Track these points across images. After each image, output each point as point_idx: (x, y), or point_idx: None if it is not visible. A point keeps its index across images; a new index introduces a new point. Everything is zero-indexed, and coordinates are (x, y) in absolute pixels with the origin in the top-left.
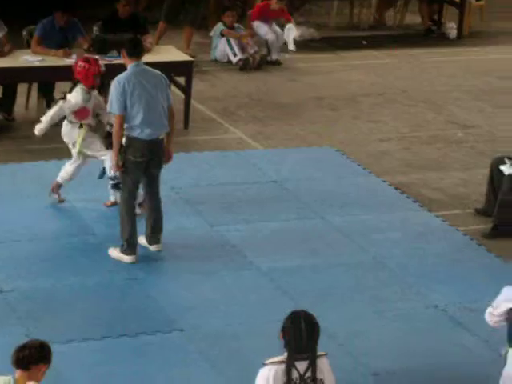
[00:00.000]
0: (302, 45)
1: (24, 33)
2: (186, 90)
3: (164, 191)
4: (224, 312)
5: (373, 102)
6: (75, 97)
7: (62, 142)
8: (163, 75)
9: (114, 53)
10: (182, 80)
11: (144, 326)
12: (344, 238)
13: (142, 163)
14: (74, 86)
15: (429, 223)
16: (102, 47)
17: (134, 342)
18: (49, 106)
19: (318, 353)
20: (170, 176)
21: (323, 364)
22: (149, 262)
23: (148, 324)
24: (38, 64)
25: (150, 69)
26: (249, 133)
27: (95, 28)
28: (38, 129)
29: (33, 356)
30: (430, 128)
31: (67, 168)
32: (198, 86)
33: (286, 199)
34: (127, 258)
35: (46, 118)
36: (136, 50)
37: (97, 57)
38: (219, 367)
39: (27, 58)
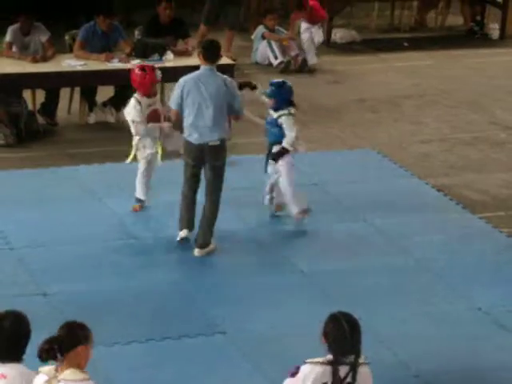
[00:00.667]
0: (343, 47)
1: (66, 37)
2: None
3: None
4: (267, 314)
5: (414, 104)
6: (132, 111)
7: (105, 145)
8: (230, 81)
9: (156, 56)
10: None
11: (187, 328)
12: (386, 241)
13: (194, 165)
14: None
15: (472, 225)
16: (143, 51)
17: (177, 344)
18: (91, 110)
19: (361, 360)
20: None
21: (364, 372)
22: (191, 265)
23: (190, 327)
24: (80, 68)
25: (218, 74)
26: None
27: (137, 32)
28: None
29: (62, 344)
30: (472, 129)
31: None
32: None
33: (327, 202)
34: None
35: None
36: (210, 55)
37: (153, 65)
38: (263, 370)
39: (70, 63)
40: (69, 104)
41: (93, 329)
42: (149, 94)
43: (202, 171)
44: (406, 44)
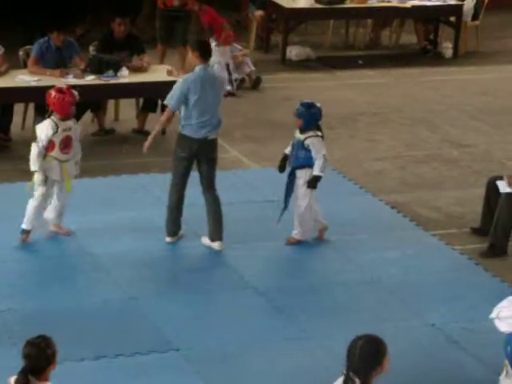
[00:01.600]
0: (298, 64)
1: (21, 53)
2: None
3: (159, 211)
4: (220, 332)
5: (369, 121)
6: (45, 131)
7: None
8: (223, 80)
9: (111, 72)
10: None
11: (140, 345)
12: (341, 258)
13: (189, 159)
14: (49, 116)
15: (425, 242)
16: (98, 67)
17: (130, 361)
18: None
19: None
20: (166, 195)
21: None
22: (145, 282)
23: (144, 344)
24: (34, 84)
25: (213, 71)
26: (245, 152)
27: (91, 48)
28: (34, 170)
29: (34, 369)
30: (425, 147)
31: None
32: None
33: (282, 218)
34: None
35: (33, 162)
36: (206, 54)
37: (71, 83)
38: None
39: (24, 78)
40: (23, 120)
41: None
42: (68, 116)
43: None
44: (360, 62)
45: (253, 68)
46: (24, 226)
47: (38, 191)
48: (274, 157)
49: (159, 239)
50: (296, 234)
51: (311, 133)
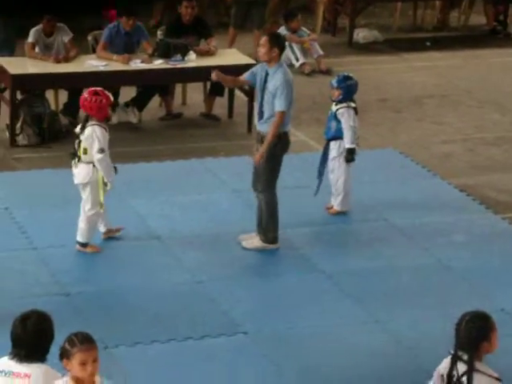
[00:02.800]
0: (366, 47)
1: (89, 38)
2: (250, 93)
3: (226, 194)
4: (287, 315)
5: (437, 104)
6: (102, 140)
7: (127, 146)
8: None
9: (178, 57)
10: None
11: (208, 329)
12: (408, 241)
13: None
14: (86, 121)
15: (495, 225)
16: (165, 51)
17: (199, 344)
18: (114, 111)
19: (482, 367)
20: (233, 179)
21: (481, 381)
22: (213, 265)
23: (213, 327)
24: (102, 69)
25: None
26: (312, 135)
27: (159, 32)
28: (111, 180)
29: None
30: (495, 129)
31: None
32: None
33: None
34: (275, 246)
35: (109, 173)
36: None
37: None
38: (284, 370)
39: (92, 63)
40: None
41: (114, 329)
42: (108, 119)
43: None
44: (428, 44)
45: (321, 53)
46: (83, 240)
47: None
48: None
49: (226, 223)
50: (337, 205)
51: (344, 104)
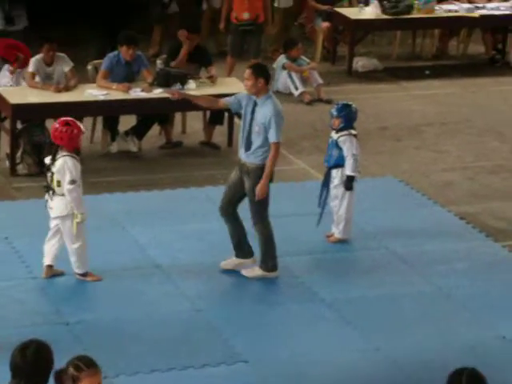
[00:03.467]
0: (365, 75)
1: (89, 67)
2: None
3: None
4: (288, 343)
5: (436, 132)
6: (74, 171)
7: (127, 174)
8: None
9: (178, 85)
10: None
11: (209, 357)
12: (409, 269)
13: None
14: (55, 153)
15: (495, 253)
16: (165, 80)
17: (200, 373)
18: (113, 140)
19: None
20: None
21: None
22: (213, 294)
23: (213, 356)
24: (102, 98)
25: None
26: (312, 164)
27: (159, 61)
28: (82, 212)
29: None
30: (494, 157)
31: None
32: None
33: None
34: (274, 274)
35: (80, 204)
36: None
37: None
38: None
39: (92, 92)
40: (91, 133)
41: (114, 358)
42: (78, 150)
43: None
44: (427, 72)
45: (320, 81)
46: (81, 271)
47: (80, 231)
48: None
49: (226, 251)
50: (338, 233)
51: (345, 132)
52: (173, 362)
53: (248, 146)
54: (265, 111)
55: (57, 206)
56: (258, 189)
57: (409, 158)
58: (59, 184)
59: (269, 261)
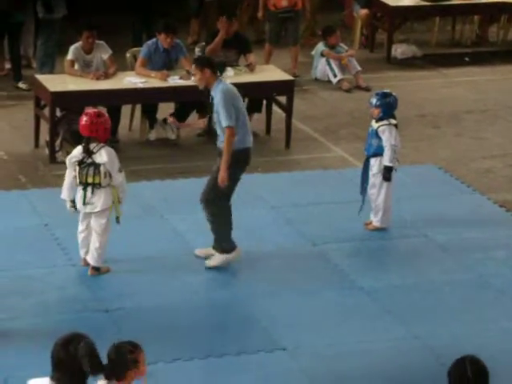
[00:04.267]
0: (404, 63)
1: (128, 55)
2: (287, 109)
3: (264, 210)
4: (326, 331)
5: (476, 119)
6: (115, 158)
7: (165, 162)
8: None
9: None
10: (283, 99)
11: (247, 345)
12: (448, 257)
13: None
14: (88, 145)
15: None
16: None
17: (238, 360)
18: (152, 127)
19: None
20: (271, 195)
21: None
22: (251, 282)
23: (251, 343)
24: (141, 86)
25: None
26: (350, 151)
27: (197, 49)
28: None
29: (112, 370)
30: None
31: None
32: (299, 105)
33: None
34: (234, 255)
35: (125, 190)
36: (218, 68)
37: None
38: None
39: (131, 80)
40: (130, 121)
41: (153, 345)
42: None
43: None
44: (467, 59)
45: (359, 68)
46: (99, 264)
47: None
48: None
49: (263, 239)
50: (376, 221)
51: (385, 121)
52: (211, 349)
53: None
54: (216, 99)
55: (103, 198)
56: (219, 176)
57: (448, 145)
58: (106, 175)
59: (224, 243)
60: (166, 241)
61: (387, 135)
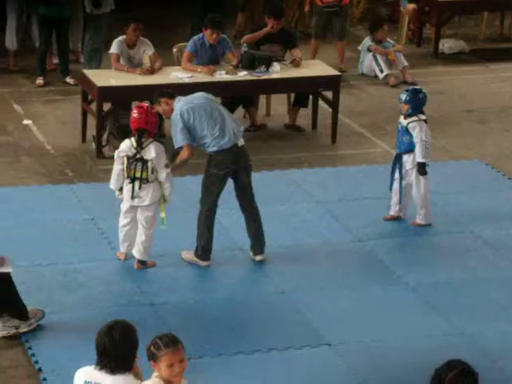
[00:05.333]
0: (451, 57)
1: (174, 50)
2: (334, 104)
3: (310, 205)
4: (372, 327)
5: None
6: (162, 154)
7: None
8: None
9: (262, 68)
10: (329, 94)
11: (292, 340)
12: (495, 253)
13: (225, 176)
14: (140, 139)
15: None
16: (250, 63)
17: (283, 356)
18: None
19: None
20: (316, 190)
21: None
22: (296, 276)
23: (296, 338)
24: (188, 81)
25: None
26: (395, 146)
27: (244, 44)
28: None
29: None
30: None
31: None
32: (345, 100)
33: (434, 213)
34: (202, 263)
35: (172, 186)
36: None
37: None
38: (368, 382)
39: (177, 75)
40: None
41: (199, 339)
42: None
43: None
44: None
45: (406, 63)
46: (145, 258)
47: (155, 216)
48: None
49: (310, 234)
50: (420, 218)
51: (415, 117)
52: (256, 344)
53: None
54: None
55: (151, 193)
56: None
57: (496, 140)
58: (153, 171)
59: (198, 246)
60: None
61: (418, 131)
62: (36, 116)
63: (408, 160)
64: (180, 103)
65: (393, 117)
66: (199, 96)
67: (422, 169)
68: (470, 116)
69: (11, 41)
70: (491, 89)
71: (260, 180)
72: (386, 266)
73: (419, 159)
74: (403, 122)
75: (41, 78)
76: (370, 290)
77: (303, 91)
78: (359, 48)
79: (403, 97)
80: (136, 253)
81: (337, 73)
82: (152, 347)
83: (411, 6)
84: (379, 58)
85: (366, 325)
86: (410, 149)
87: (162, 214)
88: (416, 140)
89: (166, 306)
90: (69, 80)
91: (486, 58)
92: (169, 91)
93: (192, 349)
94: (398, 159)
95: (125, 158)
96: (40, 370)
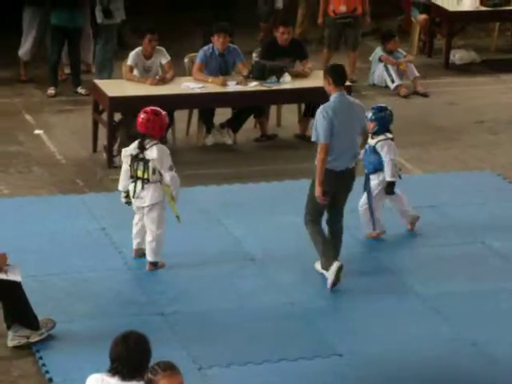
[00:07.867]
0: (463, 68)
1: (186, 60)
2: None
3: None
4: (384, 338)
5: None
6: (170, 157)
7: (222, 167)
8: (362, 105)
9: (273, 79)
10: None
11: (303, 350)
12: (506, 264)
13: (329, 193)
14: (143, 142)
15: None
16: (261, 73)
17: (294, 366)
18: (209, 132)
19: None
20: None
21: None
22: (307, 286)
23: (307, 349)
24: (198, 91)
25: (352, 98)
26: (407, 157)
27: (254, 54)
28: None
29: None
30: None
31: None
32: None
33: (444, 224)
34: (333, 267)
35: (178, 189)
36: (342, 79)
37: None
38: None
39: (188, 85)
40: (187, 126)
41: (209, 350)
42: (165, 136)
43: None
44: None
45: (417, 74)
46: (156, 259)
47: (164, 217)
48: (436, 162)
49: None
50: (369, 233)
51: (382, 136)
52: (266, 354)
53: None
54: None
55: (151, 193)
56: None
57: (507, 151)
58: (154, 172)
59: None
60: (222, 246)
61: (386, 150)
62: (47, 126)
63: (374, 178)
64: (333, 101)
65: (404, 127)
66: (352, 104)
67: (390, 188)
68: (482, 127)
69: (25, 51)
70: (502, 99)
71: (271, 190)
72: (399, 277)
73: (388, 178)
74: (371, 141)
75: (52, 88)
76: (381, 300)
77: (313, 101)
78: (370, 58)
79: (369, 115)
80: (147, 254)
81: (348, 83)
82: (149, 374)
83: (422, 17)
84: (390, 68)
85: (377, 335)
86: (378, 168)
87: (175, 213)
88: (385, 159)
89: (176, 316)
90: (80, 90)
91: (498, 68)
92: (340, 77)
93: (202, 359)
94: (367, 179)
95: (129, 158)
96: (51, 379)
